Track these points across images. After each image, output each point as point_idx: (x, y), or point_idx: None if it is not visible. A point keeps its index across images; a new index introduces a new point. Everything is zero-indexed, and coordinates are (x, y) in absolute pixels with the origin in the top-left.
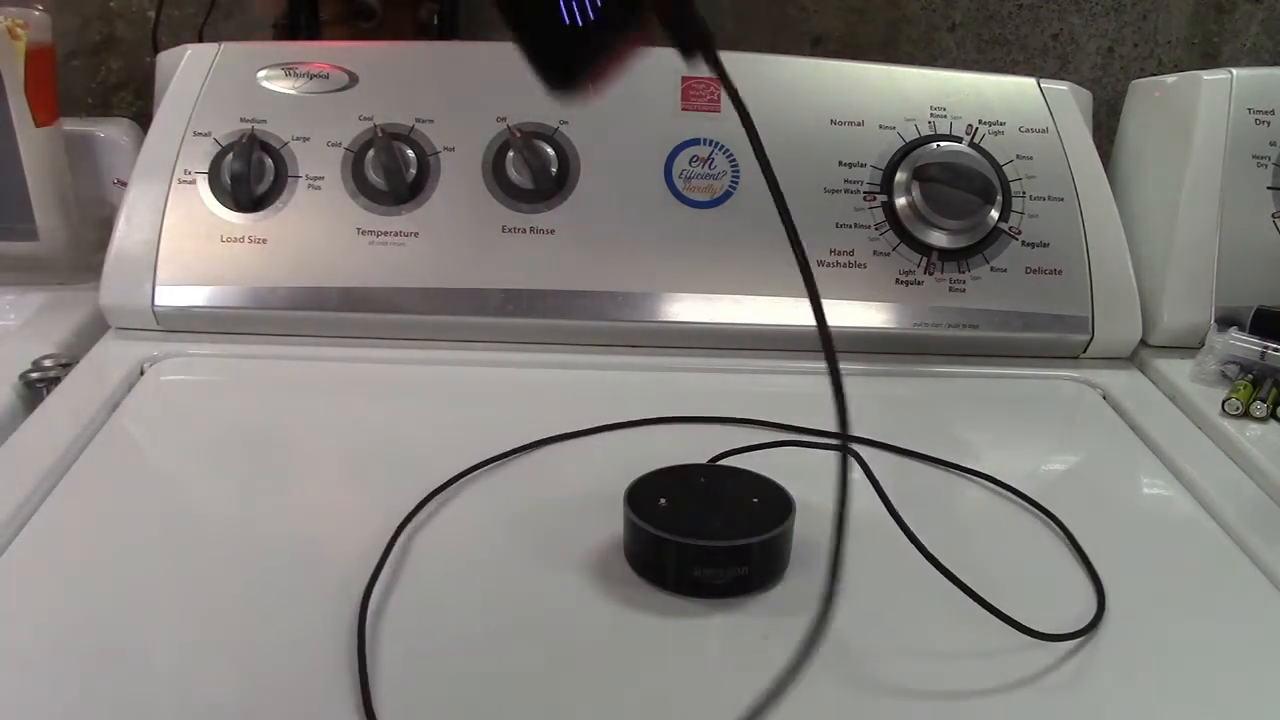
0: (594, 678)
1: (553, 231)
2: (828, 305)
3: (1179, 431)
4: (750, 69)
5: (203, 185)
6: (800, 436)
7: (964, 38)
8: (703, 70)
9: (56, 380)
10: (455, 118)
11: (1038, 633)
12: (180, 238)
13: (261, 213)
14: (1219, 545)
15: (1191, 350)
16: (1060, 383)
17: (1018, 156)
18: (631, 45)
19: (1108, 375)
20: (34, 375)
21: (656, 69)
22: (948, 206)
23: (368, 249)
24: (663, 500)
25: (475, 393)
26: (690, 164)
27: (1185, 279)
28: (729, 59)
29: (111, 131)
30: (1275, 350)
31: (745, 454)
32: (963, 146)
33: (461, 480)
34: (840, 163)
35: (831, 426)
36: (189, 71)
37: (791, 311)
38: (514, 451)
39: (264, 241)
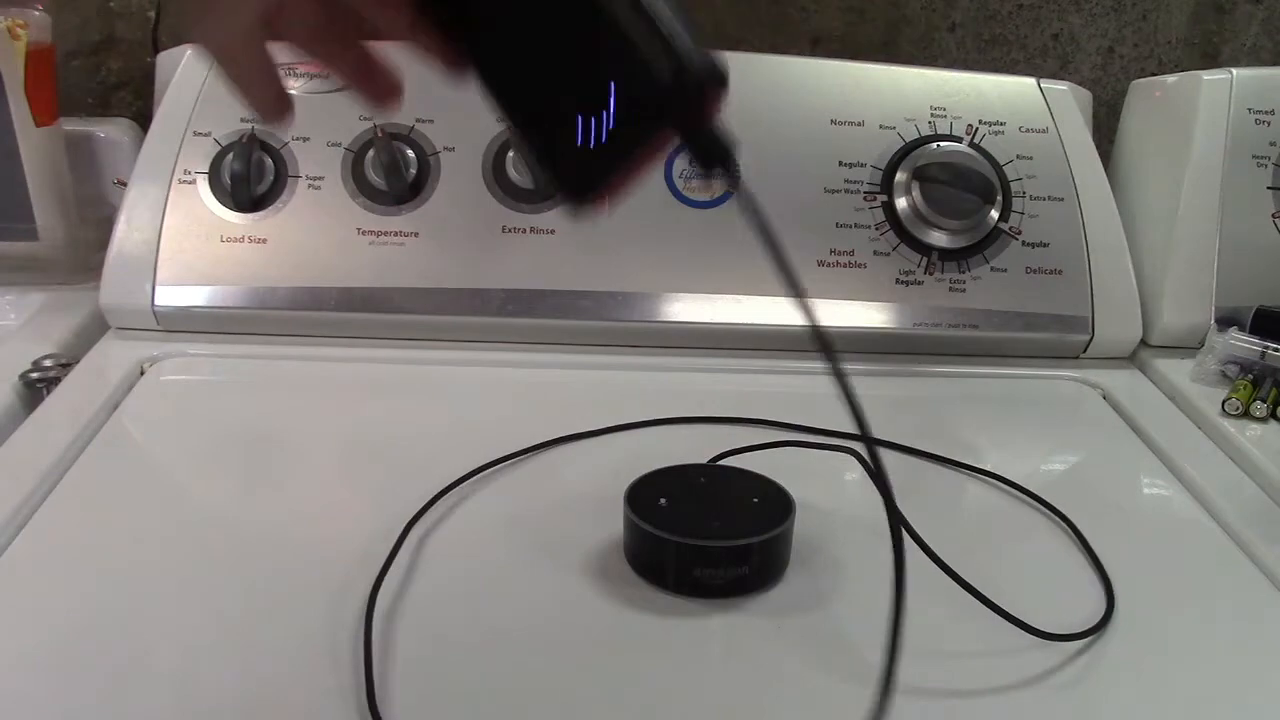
0: (594, 678)
1: (553, 231)
2: (828, 305)
3: (1179, 431)
4: (750, 69)
5: (203, 185)
6: (800, 436)
7: (964, 38)
8: (719, 183)
9: (56, 380)
10: (455, 118)
11: (1045, 633)
12: (180, 238)
13: (261, 213)
14: (1219, 545)
15: (1191, 350)
16: (1060, 383)
17: (1018, 156)
18: (648, 159)
19: (1108, 375)
20: (34, 375)
21: None
22: (948, 206)
23: (368, 249)
24: (663, 500)
25: (475, 393)
26: (690, 164)
27: (1185, 279)
28: (729, 59)
29: (111, 131)
30: (1275, 350)
31: (745, 454)
32: (963, 146)
33: (461, 481)
34: (840, 163)
35: (832, 426)
36: (189, 71)
37: (791, 311)
38: (516, 455)
39: (264, 241)
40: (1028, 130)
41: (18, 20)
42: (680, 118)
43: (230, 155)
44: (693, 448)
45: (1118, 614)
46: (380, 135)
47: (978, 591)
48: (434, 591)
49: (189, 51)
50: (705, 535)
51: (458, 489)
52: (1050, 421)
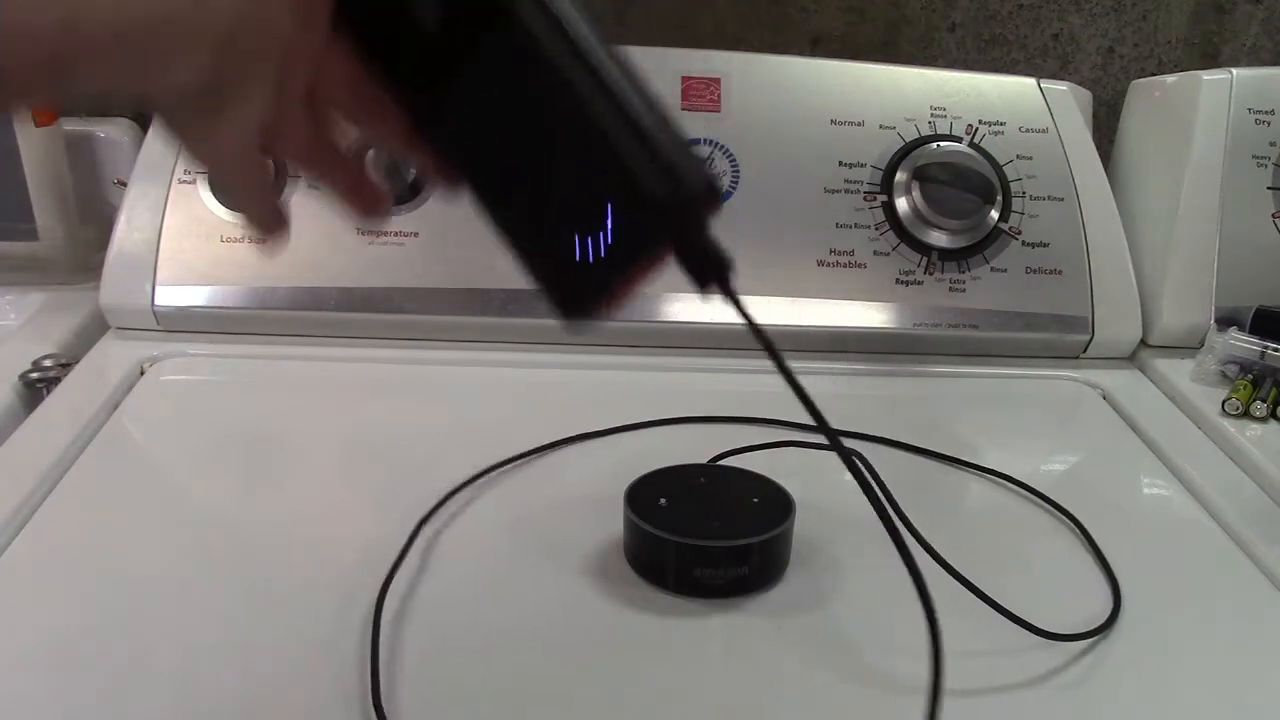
0: (595, 678)
1: None
2: (828, 305)
3: (1179, 431)
4: (750, 69)
5: (202, 185)
6: (800, 436)
7: (964, 38)
8: (715, 299)
9: (56, 380)
10: None
11: (1050, 633)
12: (180, 238)
13: None
14: (1219, 545)
15: (1191, 350)
16: (1060, 383)
17: (1018, 156)
18: (645, 273)
19: (1108, 375)
20: (34, 375)
21: (656, 69)
22: (948, 206)
23: (367, 249)
24: (663, 500)
25: (475, 393)
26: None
27: (1185, 279)
28: (729, 58)
29: (111, 131)
30: (1275, 350)
31: (745, 454)
32: (963, 146)
33: (469, 482)
34: (840, 163)
35: (833, 425)
36: None
37: (791, 311)
38: (518, 457)
39: (264, 241)
40: (1028, 130)
41: None
42: (678, 234)
43: None
44: (693, 448)
45: (1122, 614)
46: None
47: (982, 592)
48: (438, 592)
49: None
50: (705, 535)
51: (462, 491)
52: (1050, 422)
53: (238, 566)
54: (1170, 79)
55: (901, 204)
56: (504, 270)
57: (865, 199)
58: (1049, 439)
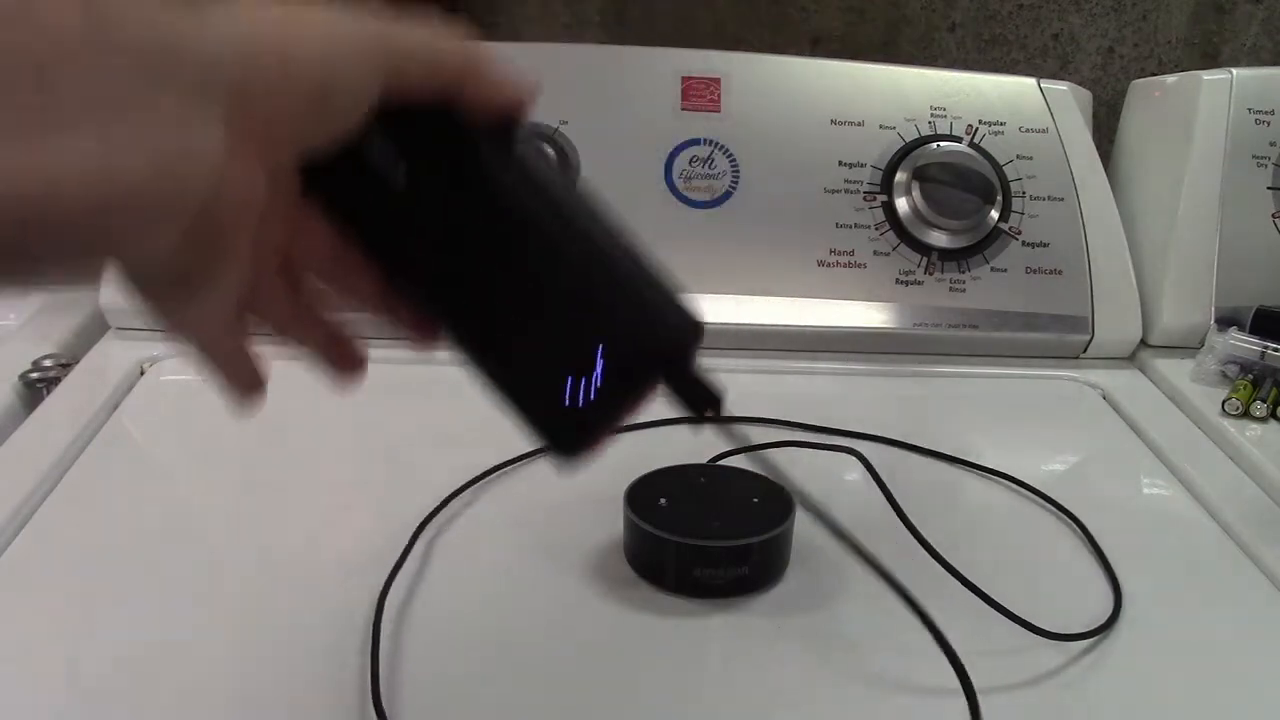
0: (595, 678)
1: None
2: (828, 305)
3: (1179, 431)
4: (750, 69)
5: None
6: (800, 436)
7: (964, 38)
8: (707, 428)
9: (56, 380)
10: None
11: (1050, 633)
12: None
13: None
14: (1219, 545)
15: (1191, 350)
16: (1060, 383)
17: (1018, 156)
18: (633, 409)
19: (1108, 375)
20: (34, 375)
21: (656, 69)
22: (948, 206)
23: None
24: (663, 500)
25: (475, 393)
26: (690, 164)
27: (1185, 279)
28: (729, 58)
29: None
30: (1275, 350)
31: (745, 454)
32: (963, 146)
33: (470, 484)
34: (840, 163)
35: (833, 424)
36: None
37: (791, 311)
38: (520, 459)
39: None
40: (1028, 130)
41: None
42: (669, 372)
43: None
44: (693, 448)
45: (1123, 614)
46: None
47: (982, 592)
48: (438, 592)
49: None
50: (705, 535)
51: (463, 492)
52: (1050, 422)
53: (238, 568)
54: (1170, 79)
55: (901, 204)
56: None
57: (865, 199)
58: (1049, 439)
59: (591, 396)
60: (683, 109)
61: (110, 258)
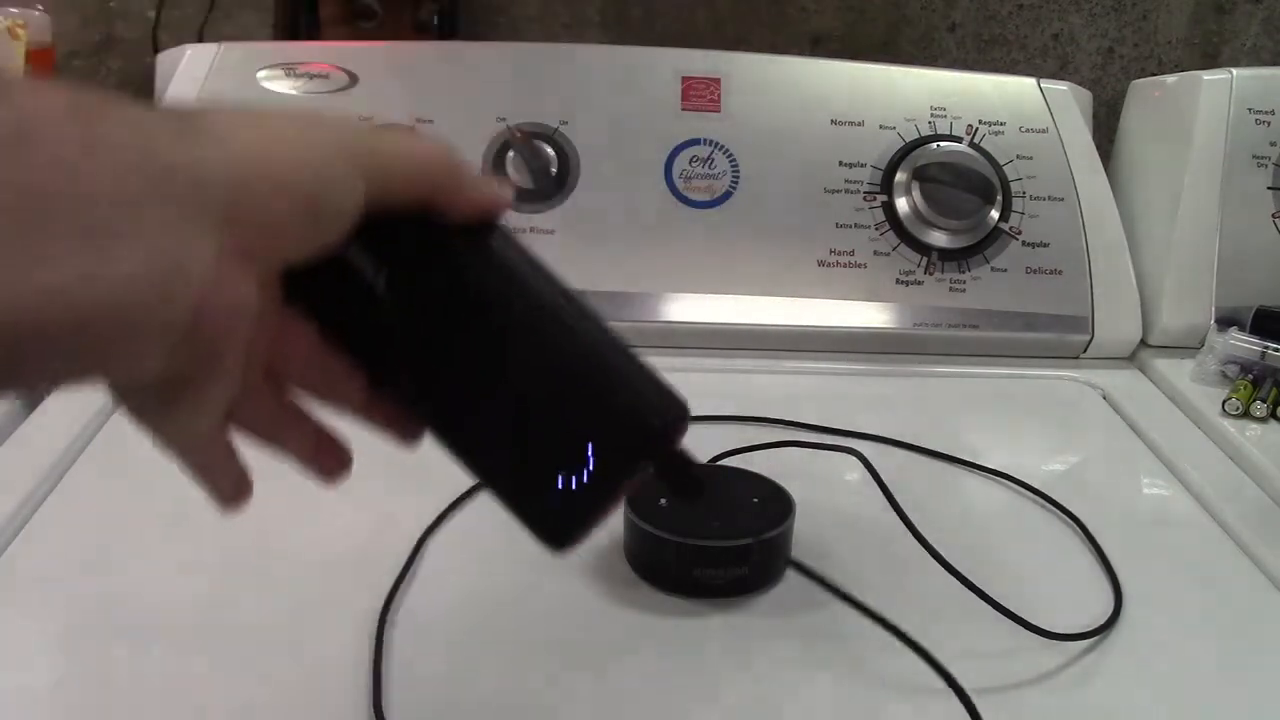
0: (595, 678)
1: (553, 231)
2: (828, 305)
3: (1179, 431)
4: (750, 69)
5: None
6: (800, 436)
7: (964, 38)
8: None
9: None
10: (455, 118)
11: (1050, 632)
12: None
13: None
14: (1219, 545)
15: (1191, 350)
16: (1060, 383)
17: (1018, 156)
18: (623, 495)
19: (1108, 375)
20: None
21: (656, 69)
22: (948, 206)
23: None
24: (663, 500)
25: None
26: (690, 164)
27: (1185, 279)
28: (729, 58)
29: None
30: (1275, 350)
31: (745, 454)
32: (963, 146)
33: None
34: (840, 163)
35: (833, 424)
36: (189, 71)
37: (791, 311)
38: None
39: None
40: (1028, 130)
41: (18, 20)
42: (658, 459)
43: None
44: (693, 448)
45: (1123, 613)
46: None
47: (983, 591)
48: (438, 592)
49: (189, 51)
50: (705, 535)
51: (467, 496)
52: (1050, 422)
53: (239, 574)
54: (1170, 79)
55: (901, 204)
56: None
57: (865, 199)
58: (1049, 439)
59: (581, 490)
60: (683, 109)
61: (103, 372)
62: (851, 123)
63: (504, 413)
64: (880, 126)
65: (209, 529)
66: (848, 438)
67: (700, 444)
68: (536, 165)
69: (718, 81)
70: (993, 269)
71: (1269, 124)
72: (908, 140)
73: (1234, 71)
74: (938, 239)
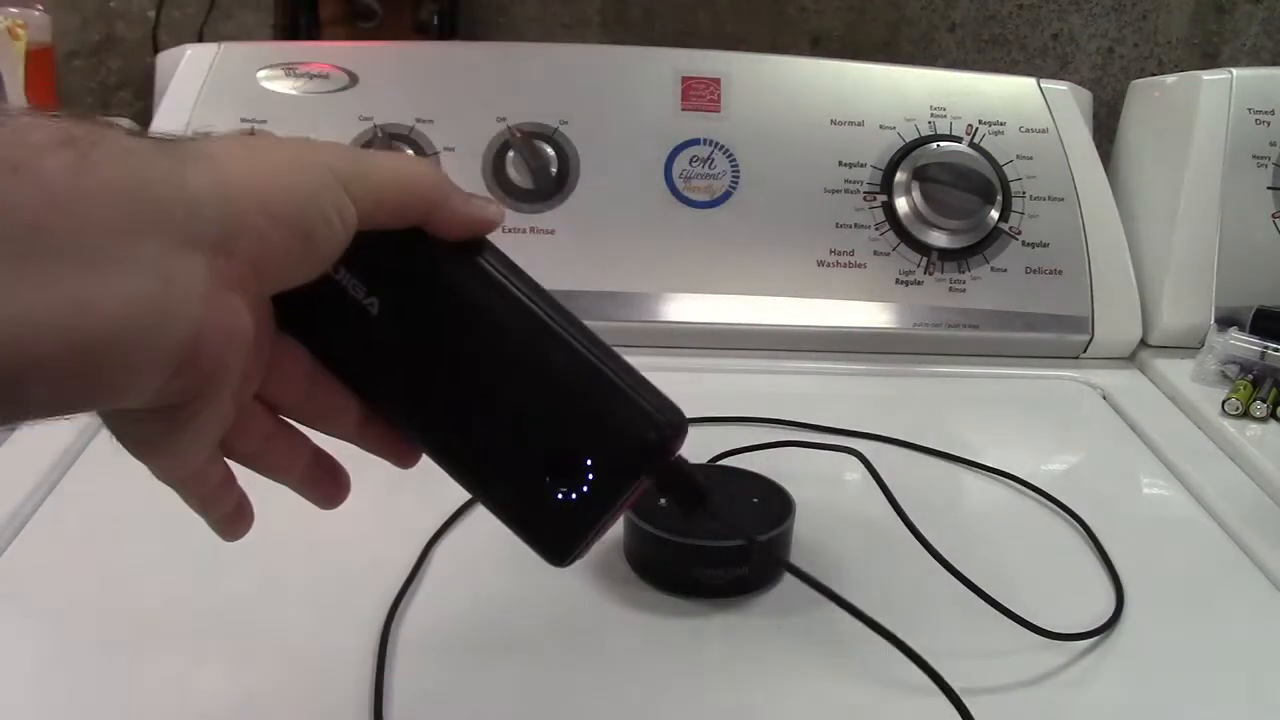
0: (595, 678)
1: (553, 231)
2: (828, 305)
3: (1179, 431)
4: (750, 69)
5: None
6: (801, 436)
7: (964, 38)
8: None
9: None
10: (455, 118)
11: (1051, 632)
12: None
13: None
14: (1219, 546)
15: (1191, 350)
16: (1060, 383)
17: (1018, 156)
18: (624, 508)
19: (1108, 375)
20: None
21: (656, 69)
22: (948, 206)
23: None
24: (663, 501)
25: None
26: (690, 164)
27: (1185, 279)
28: (729, 58)
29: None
30: (1275, 350)
31: (745, 454)
32: (963, 146)
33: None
34: (840, 163)
35: (833, 424)
36: (189, 71)
37: (791, 311)
38: None
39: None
40: (1028, 130)
41: (18, 20)
42: (656, 472)
43: None
44: (693, 448)
45: (1124, 613)
46: (380, 135)
47: (983, 591)
48: (438, 592)
49: (189, 51)
50: (705, 535)
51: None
52: (1050, 422)
53: (241, 579)
54: (1170, 79)
55: (901, 204)
56: None
57: (865, 199)
58: (1049, 439)
59: (580, 506)
60: (683, 109)
61: (100, 400)
62: (851, 123)
63: (501, 431)
64: (880, 126)
65: (211, 534)
66: (848, 438)
67: (700, 444)
68: (536, 165)
69: (718, 81)
70: (993, 269)
71: (1269, 124)
72: (908, 140)
73: (1234, 71)
74: (938, 239)
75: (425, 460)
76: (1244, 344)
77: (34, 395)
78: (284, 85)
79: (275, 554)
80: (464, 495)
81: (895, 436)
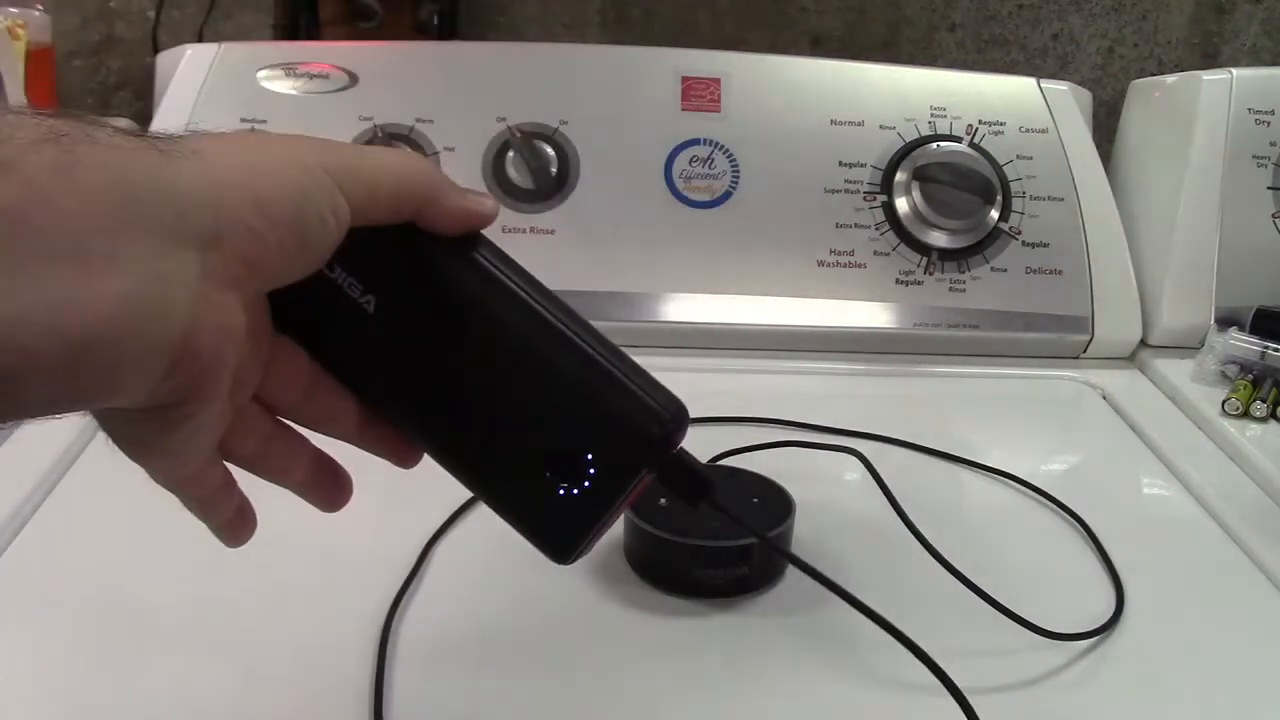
0: (595, 678)
1: (553, 231)
2: (828, 305)
3: (1179, 431)
4: (750, 69)
5: None
6: (801, 436)
7: (964, 38)
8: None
9: None
10: (455, 118)
11: (1051, 632)
12: None
13: None
14: (1219, 545)
15: (1191, 350)
16: (1060, 383)
17: (1018, 156)
18: (627, 503)
19: (1108, 375)
20: None
21: (656, 69)
22: (948, 206)
23: None
24: (663, 500)
25: None
26: (690, 164)
27: (1185, 279)
28: (729, 59)
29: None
30: (1275, 350)
31: (745, 454)
32: (963, 146)
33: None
34: (840, 163)
35: (833, 424)
36: (189, 71)
37: (791, 311)
38: None
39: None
40: (1028, 130)
41: (18, 20)
42: (658, 465)
43: None
44: (692, 448)
45: (1125, 613)
46: (380, 135)
47: (984, 591)
48: (438, 592)
49: (189, 51)
50: (705, 535)
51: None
52: (1050, 422)
53: (242, 579)
54: (1170, 79)
55: (901, 204)
56: None
57: (865, 199)
58: (1049, 439)
59: (583, 501)
60: (683, 109)
61: (95, 399)
62: (851, 123)
63: (500, 427)
64: (880, 126)
65: (211, 538)
66: (848, 437)
67: (700, 444)
68: (536, 165)
69: (718, 81)
70: (993, 269)
71: (1269, 124)
72: (908, 140)
73: (1234, 71)
74: (938, 239)
75: (425, 460)
76: (1244, 344)
77: (25, 394)
78: (284, 85)
79: (275, 554)
80: (464, 495)
81: (895, 437)
